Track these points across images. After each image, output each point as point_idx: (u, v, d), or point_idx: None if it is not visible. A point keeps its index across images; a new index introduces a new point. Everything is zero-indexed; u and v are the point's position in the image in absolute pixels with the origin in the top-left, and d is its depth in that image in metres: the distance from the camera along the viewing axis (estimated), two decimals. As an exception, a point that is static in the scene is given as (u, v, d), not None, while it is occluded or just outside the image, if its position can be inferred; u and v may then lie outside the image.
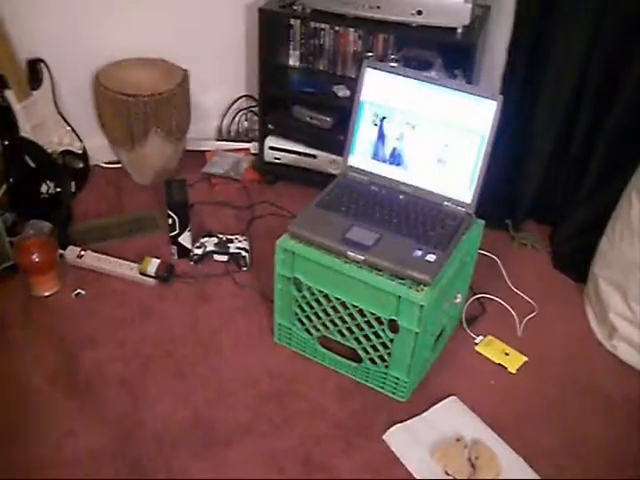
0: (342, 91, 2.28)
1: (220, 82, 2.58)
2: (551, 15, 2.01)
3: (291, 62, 2.45)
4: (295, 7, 2.22)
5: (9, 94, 2.12)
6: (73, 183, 2.33)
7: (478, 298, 2.01)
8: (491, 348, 1.87)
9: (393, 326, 1.58)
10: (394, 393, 1.70)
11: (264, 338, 1.87)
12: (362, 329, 1.65)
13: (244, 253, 2.09)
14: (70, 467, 1.51)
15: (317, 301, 1.68)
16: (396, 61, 2.10)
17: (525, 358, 1.85)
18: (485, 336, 1.91)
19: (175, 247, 2.11)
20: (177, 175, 2.48)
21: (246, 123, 2.69)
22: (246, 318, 1.93)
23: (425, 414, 1.66)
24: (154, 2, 2.35)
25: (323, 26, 2.34)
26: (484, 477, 1.52)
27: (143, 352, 1.80)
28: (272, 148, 2.43)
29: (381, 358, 1.67)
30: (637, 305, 1.80)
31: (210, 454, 1.55)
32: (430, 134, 1.69)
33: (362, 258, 1.55)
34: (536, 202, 2.31)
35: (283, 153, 2.43)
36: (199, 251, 2.09)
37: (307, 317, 1.73)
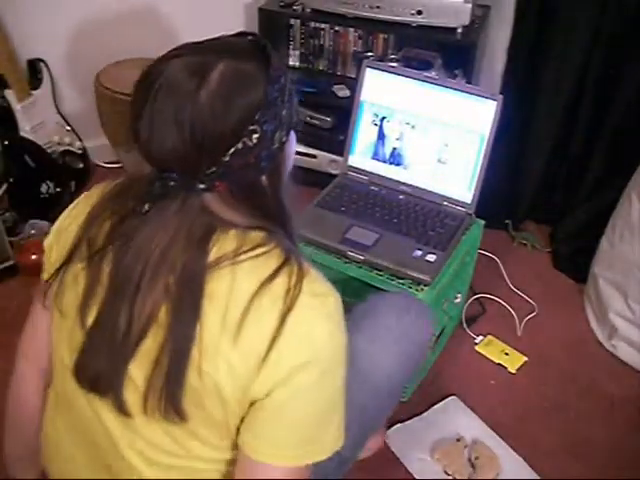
0: (342, 91, 2.28)
1: (220, 82, 2.58)
2: (551, 15, 2.01)
3: (291, 62, 2.45)
4: (295, 7, 2.22)
5: (9, 94, 2.12)
6: (73, 183, 2.33)
7: (478, 298, 2.01)
8: (491, 348, 1.87)
9: (393, 326, 1.58)
10: (394, 393, 1.70)
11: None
12: (362, 329, 1.65)
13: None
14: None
15: (317, 301, 1.67)
16: (396, 61, 2.10)
17: (525, 358, 1.84)
18: (485, 336, 1.90)
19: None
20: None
21: (246, 123, 2.69)
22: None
23: (425, 414, 1.66)
24: (154, 2, 2.35)
25: (323, 26, 2.34)
26: (484, 477, 1.52)
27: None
28: (272, 148, 2.43)
29: (381, 358, 1.67)
30: (637, 305, 1.79)
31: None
32: (430, 134, 1.69)
33: (362, 258, 1.55)
34: (536, 202, 2.31)
35: (283, 153, 2.42)
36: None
37: (307, 317, 1.73)
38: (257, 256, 0.82)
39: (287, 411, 0.84)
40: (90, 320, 0.86)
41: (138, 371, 0.84)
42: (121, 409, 0.86)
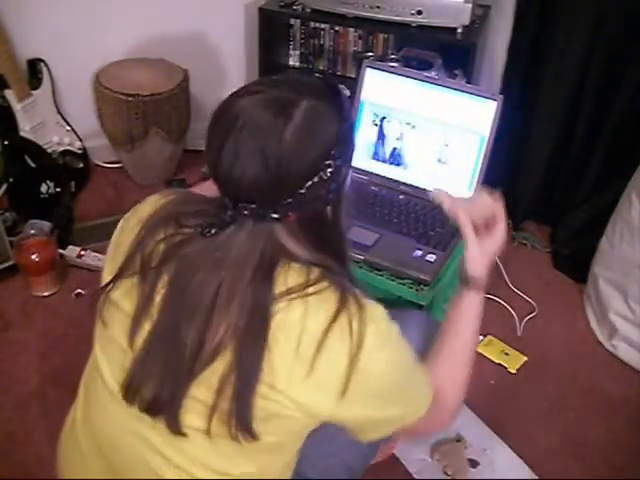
0: (342, 91, 2.28)
1: (220, 82, 2.58)
2: (551, 15, 2.02)
3: (291, 62, 2.45)
4: (295, 7, 2.22)
5: (9, 94, 2.12)
6: (73, 183, 2.33)
7: (478, 298, 2.00)
8: (491, 348, 1.87)
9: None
10: (394, 393, 1.70)
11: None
12: (362, 329, 1.65)
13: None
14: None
15: (317, 301, 1.67)
16: (396, 61, 2.10)
17: (525, 358, 1.84)
18: (485, 336, 1.90)
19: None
20: (177, 175, 2.48)
21: (246, 123, 2.69)
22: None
23: (425, 414, 1.66)
24: (154, 2, 2.35)
25: (323, 26, 2.34)
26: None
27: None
28: (272, 148, 2.42)
29: (381, 358, 1.66)
30: (637, 305, 1.80)
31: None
32: (430, 134, 1.69)
33: (362, 258, 1.55)
34: (536, 202, 2.31)
35: (283, 153, 2.42)
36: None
37: (307, 317, 1.73)
38: (321, 291, 0.85)
39: (372, 404, 0.91)
40: (140, 341, 0.87)
41: (201, 392, 0.85)
42: (175, 429, 0.87)
